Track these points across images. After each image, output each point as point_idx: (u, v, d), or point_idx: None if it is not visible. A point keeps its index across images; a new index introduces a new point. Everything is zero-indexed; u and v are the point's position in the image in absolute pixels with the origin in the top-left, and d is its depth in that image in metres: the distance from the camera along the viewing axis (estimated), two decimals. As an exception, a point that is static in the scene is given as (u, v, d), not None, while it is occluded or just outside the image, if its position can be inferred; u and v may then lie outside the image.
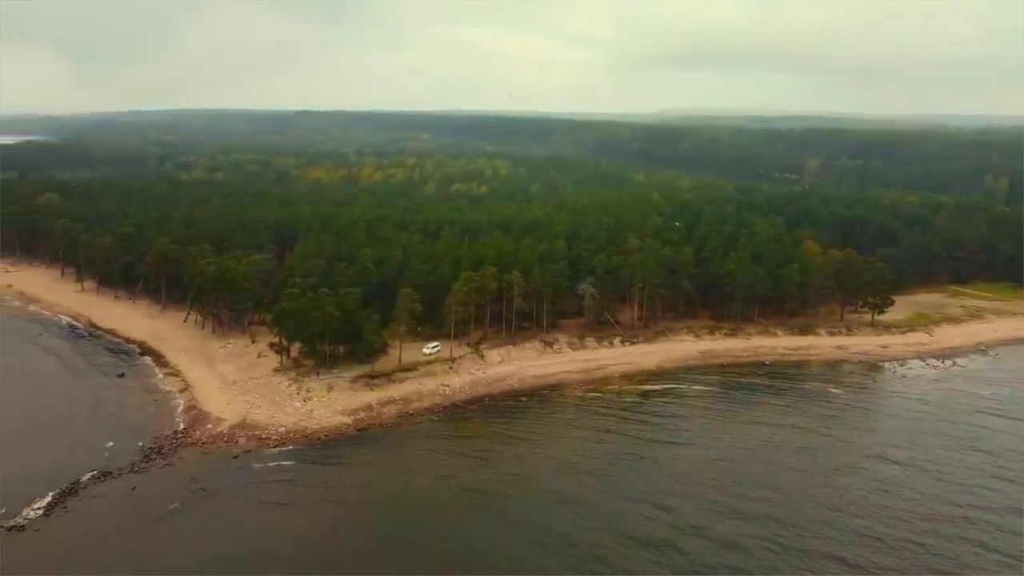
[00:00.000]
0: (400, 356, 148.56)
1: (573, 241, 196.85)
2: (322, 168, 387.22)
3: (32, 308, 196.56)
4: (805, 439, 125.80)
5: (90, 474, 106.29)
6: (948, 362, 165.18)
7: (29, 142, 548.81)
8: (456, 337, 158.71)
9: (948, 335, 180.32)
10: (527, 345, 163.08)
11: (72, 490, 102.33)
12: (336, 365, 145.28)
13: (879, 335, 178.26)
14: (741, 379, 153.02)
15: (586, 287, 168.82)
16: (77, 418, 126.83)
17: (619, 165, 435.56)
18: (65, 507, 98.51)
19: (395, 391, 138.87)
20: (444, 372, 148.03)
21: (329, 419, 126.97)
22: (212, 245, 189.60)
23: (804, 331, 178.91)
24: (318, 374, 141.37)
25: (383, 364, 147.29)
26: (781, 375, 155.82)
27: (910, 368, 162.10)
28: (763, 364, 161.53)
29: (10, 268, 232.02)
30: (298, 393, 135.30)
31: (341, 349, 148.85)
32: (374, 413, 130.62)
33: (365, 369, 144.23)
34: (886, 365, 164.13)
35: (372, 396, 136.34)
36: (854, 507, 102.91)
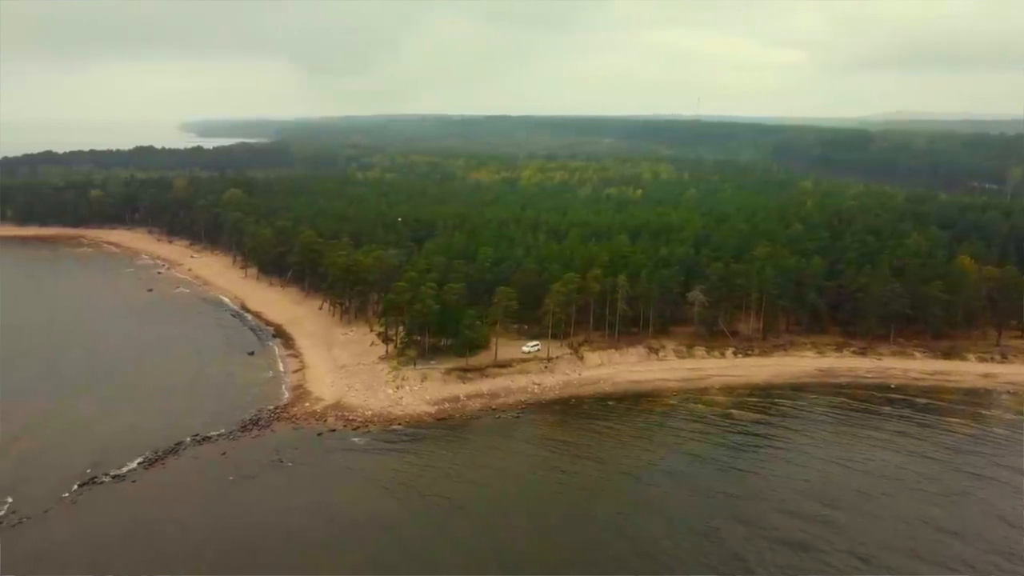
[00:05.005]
0: (496, 352, 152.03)
1: (702, 247, 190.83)
2: (486, 169, 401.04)
3: (201, 289, 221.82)
4: (911, 461, 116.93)
5: (191, 437, 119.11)
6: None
7: (241, 143, 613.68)
8: (559, 338, 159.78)
9: None
10: (631, 350, 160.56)
11: (174, 450, 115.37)
12: (436, 356, 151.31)
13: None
14: (855, 401, 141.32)
15: (696, 294, 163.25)
16: (202, 387, 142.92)
17: (789, 171, 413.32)
18: (163, 464, 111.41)
19: (485, 385, 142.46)
20: (538, 371, 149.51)
21: (414, 407, 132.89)
22: (352, 239, 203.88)
23: (949, 355, 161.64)
24: (415, 364, 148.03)
25: (480, 359, 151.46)
26: (905, 400, 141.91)
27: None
28: (888, 388, 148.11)
29: (194, 254, 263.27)
30: (393, 381, 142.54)
31: (443, 342, 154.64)
32: (459, 405, 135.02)
33: (461, 362, 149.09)
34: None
35: (462, 388, 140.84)
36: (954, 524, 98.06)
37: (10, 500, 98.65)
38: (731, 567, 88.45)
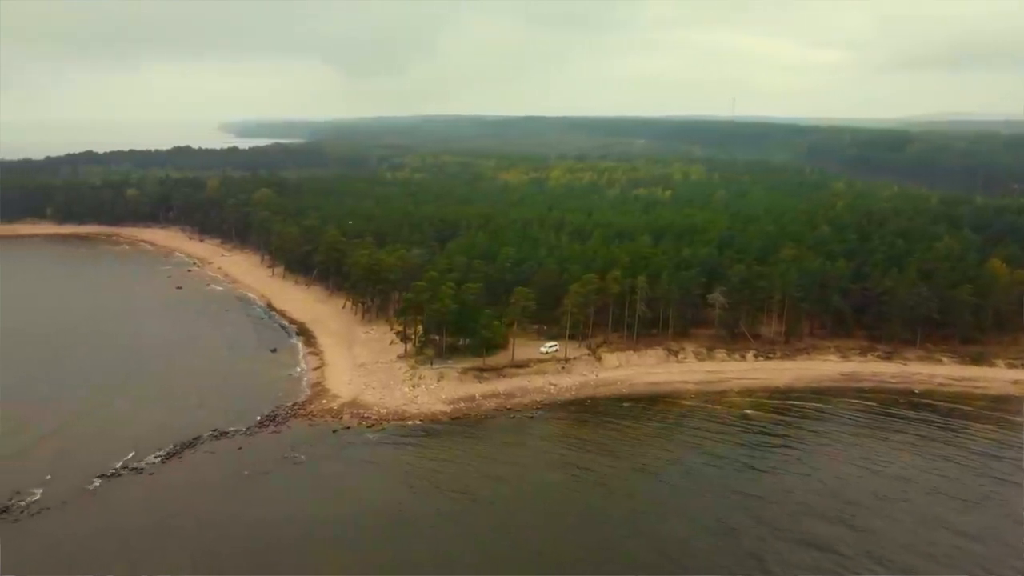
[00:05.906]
0: (513, 352, 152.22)
1: (726, 248, 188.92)
2: (515, 170, 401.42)
3: (231, 287, 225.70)
4: (933, 465, 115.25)
5: (210, 432, 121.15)
6: None
7: (276, 144, 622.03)
8: (578, 339, 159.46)
9: None
10: (650, 352, 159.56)
11: (192, 444, 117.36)
12: (453, 356, 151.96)
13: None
14: (878, 405, 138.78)
15: (716, 296, 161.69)
16: (224, 384, 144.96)
17: (823, 172, 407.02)
18: (180, 457, 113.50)
19: (501, 385, 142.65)
20: (555, 372, 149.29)
21: (429, 406, 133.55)
22: (376, 238, 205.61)
23: (977, 361, 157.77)
24: (432, 363, 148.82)
25: (498, 359, 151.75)
26: (930, 405, 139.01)
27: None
28: (912, 393, 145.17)
29: (224, 253, 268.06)
30: (410, 379, 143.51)
31: (461, 341, 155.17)
32: (474, 404, 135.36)
33: (478, 362, 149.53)
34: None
35: (477, 388, 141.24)
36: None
37: (40, 492, 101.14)
38: (747, 567, 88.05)
